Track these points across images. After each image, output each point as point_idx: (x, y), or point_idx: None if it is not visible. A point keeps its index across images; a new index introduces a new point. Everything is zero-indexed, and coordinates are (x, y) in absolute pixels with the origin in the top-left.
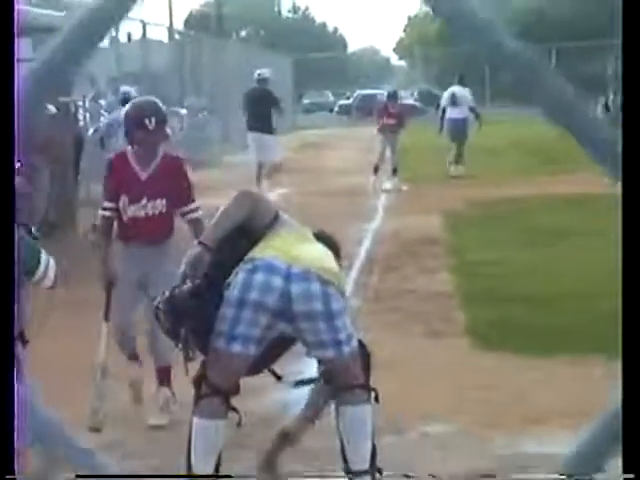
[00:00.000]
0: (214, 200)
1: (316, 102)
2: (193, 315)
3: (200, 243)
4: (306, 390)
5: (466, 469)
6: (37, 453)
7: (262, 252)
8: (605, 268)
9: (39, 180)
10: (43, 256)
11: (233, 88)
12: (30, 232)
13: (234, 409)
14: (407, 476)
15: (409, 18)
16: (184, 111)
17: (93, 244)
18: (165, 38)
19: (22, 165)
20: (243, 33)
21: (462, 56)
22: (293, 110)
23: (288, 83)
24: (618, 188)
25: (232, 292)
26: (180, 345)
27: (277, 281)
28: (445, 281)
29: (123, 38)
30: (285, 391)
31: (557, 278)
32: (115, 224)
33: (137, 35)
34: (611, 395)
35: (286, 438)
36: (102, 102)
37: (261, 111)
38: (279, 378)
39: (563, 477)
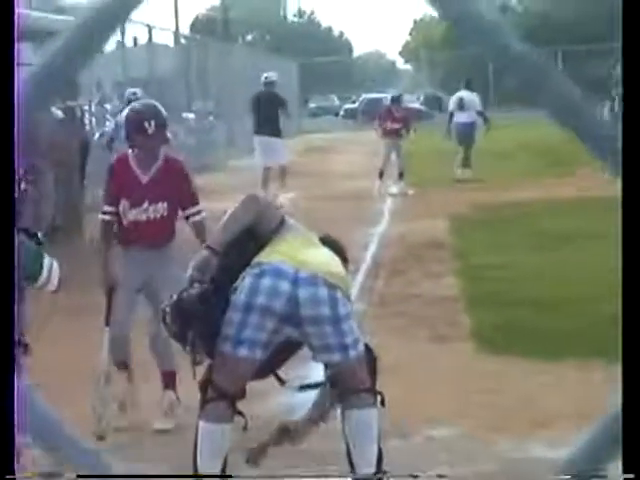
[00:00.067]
0: (219, 204)
1: (322, 106)
2: (200, 319)
3: (207, 247)
4: (312, 394)
5: (471, 473)
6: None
7: (269, 257)
8: (612, 271)
9: (45, 185)
10: (46, 261)
11: (239, 92)
12: (33, 237)
13: (240, 413)
14: (413, 476)
15: (415, 22)
16: (192, 115)
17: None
18: (171, 42)
19: (27, 171)
20: (249, 37)
21: (467, 60)
22: (299, 114)
23: (294, 87)
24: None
25: (239, 296)
26: (187, 349)
27: (284, 285)
28: (451, 285)
29: (129, 42)
30: (291, 395)
31: (563, 282)
32: (115, 228)
33: (143, 39)
34: (616, 398)
35: (285, 433)
36: (108, 106)
37: (268, 114)
38: (283, 383)
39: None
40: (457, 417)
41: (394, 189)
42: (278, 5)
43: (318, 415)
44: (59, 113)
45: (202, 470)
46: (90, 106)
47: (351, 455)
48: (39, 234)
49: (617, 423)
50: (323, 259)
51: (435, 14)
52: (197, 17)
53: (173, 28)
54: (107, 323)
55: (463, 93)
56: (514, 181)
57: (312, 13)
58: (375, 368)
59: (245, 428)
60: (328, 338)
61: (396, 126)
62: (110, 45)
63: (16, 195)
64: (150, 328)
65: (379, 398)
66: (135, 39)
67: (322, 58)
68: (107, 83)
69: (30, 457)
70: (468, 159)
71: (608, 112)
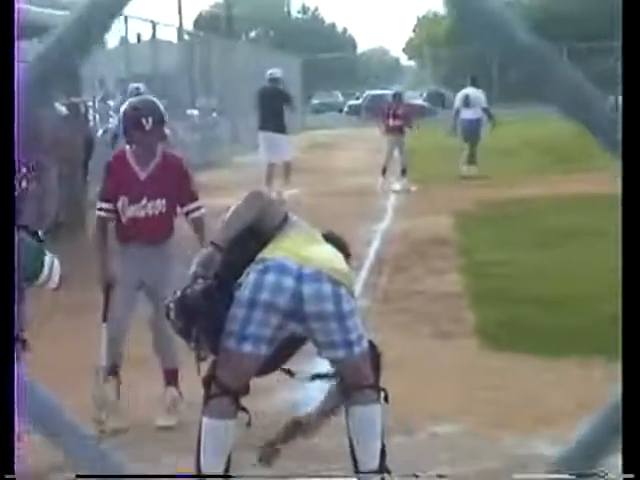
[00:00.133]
0: (224, 200)
1: (325, 102)
2: (204, 315)
3: (211, 243)
4: (317, 389)
5: (475, 469)
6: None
7: (272, 253)
8: (616, 269)
9: (49, 181)
10: (47, 259)
11: (242, 89)
12: (34, 235)
13: (244, 409)
14: (416, 475)
15: (418, 18)
16: (196, 112)
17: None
18: (174, 39)
19: (30, 167)
20: (253, 34)
21: (471, 56)
22: (302, 110)
23: (297, 84)
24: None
25: (243, 292)
26: (192, 345)
27: (288, 281)
28: (454, 282)
29: (132, 39)
30: (295, 391)
31: (567, 279)
32: (112, 225)
33: (147, 36)
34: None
35: (297, 427)
36: (111, 103)
37: (273, 110)
38: (292, 375)
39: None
40: (461, 413)
41: (397, 186)
42: (282, 1)
43: (330, 408)
44: (63, 109)
45: (205, 466)
46: (94, 102)
47: (355, 451)
48: (40, 232)
49: (617, 414)
50: (327, 255)
51: (439, 10)
52: (201, 13)
53: (177, 24)
54: (105, 319)
55: (469, 90)
56: (518, 178)
57: (316, 9)
58: (379, 364)
59: (249, 424)
60: (332, 334)
61: (398, 123)
62: (113, 41)
63: (18, 192)
64: (152, 325)
65: (383, 394)
66: (138, 35)
67: (326, 54)
68: (110, 79)
69: (29, 444)
70: (474, 156)
71: (612, 108)
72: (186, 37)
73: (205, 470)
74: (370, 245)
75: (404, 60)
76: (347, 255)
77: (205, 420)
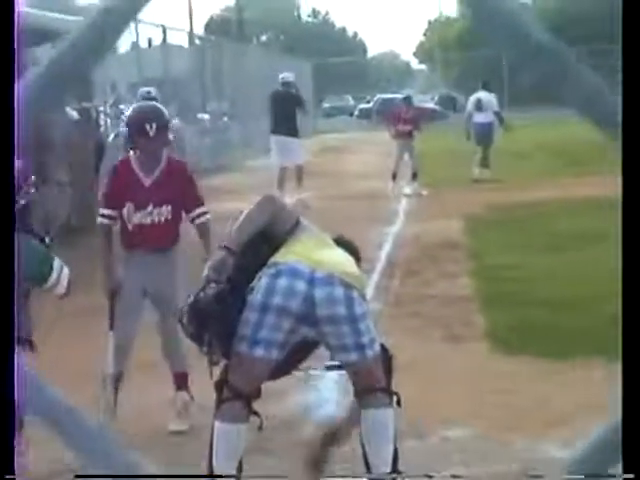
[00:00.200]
0: (235, 204)
1: (336, 106)
2: (217, 319)
3: (224, 247)
4: (329, 392)
5: (486, 473)
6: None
7: (284, 257)
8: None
9: (61, 186)
10: (56, 263)
11: (254, 93)
12: (41, 240)
13: (256, 413)
14: (429, 476)
15: (429, 22)
16: (207, 116)
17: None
18: (186, 43)
19: (40, 172)
20: (263, 38)
21: (482, 60)
22: (314, 114)
23: (308, 87)
24: None
25: (255, 296)
26: (204, 349)
27: (301, 285)
28: (465, 285)
29: (144, 43)
30: (307, 394)
31: (578, 282)
32: (117, 232)
33: (158, 40)
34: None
35: (334, 438)
36: (122, 107)
37: (285, 114)
38: (307, 371)
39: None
40: (472, 417)
41: (408, 190)
42: (292, 5)
43: (357, 415)
44: (74, 114)
45: (217, 470)
46: (105, 107)
47: (367, 455)
48: (46, 238)
49: (616, 436)
50: (338, 259)
51: (450, 14)
52: (211, 18)
53: (187, 29)
54: (111, 327)
55: (481, 94)
56: (530, 181)
57: (326, 13)
58: (391, 368)
59: (260, 428)
60: (345, 338)
61: (407, 127)
62: (125, 46)
63: (26, 197)
64: (160, 331)
65: (395, 398)
66: (150, 40)
67: (336, 58)
68: (122, 84)
69: (24, 439)
70: (487, 159)
71: None
72: (197, 41)
73: (217, 473)
74: (381, 248)
75: (415, 64)
76: (358, 259)
77: (217, 424)
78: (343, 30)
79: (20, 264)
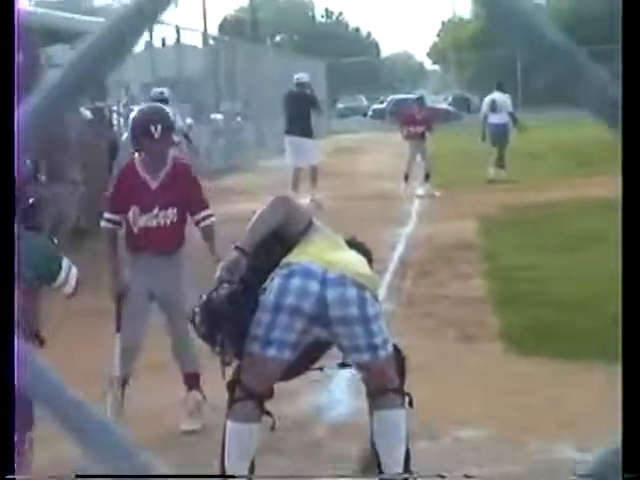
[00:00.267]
0: (249, 204)
1: (350, 107)
2: (229, 319)
3: (237, 247)
4: (342, 392)
5: (499, 474)
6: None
7: (297, 257)
8: None
9: (74, 185)
10: (64, 263)
11: (267, 93)
12: (51, 239)
13: (268, 413)
14: (442, 476)
15: (443, 23)
16: (220, 116)
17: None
18: (199, 43)
19: (51, 171)
20: (277, 38)
21: (496, 61)
22: (327, 115)
23: (322, 88)
24: None
25: (268, 297)
26: (216, 349)
27: (314, 286)
28: (479, 286)
29: (157, 43)
30: (319, 394)
31: (592, 283)
32: (122, 235)
33: (171, 40)
34: None
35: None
36: (136, 107)
37: (300, 114)
38: (321, 369)
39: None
40: (485, 418)
41: (421, 191)
42: (306, 6)
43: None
44: (88, 114)
45: (229, 470)
46: (118, 107)
47: (379, 455)
48: (54, 239)
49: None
50: (351, 260)
51: (464, 15)
52: (225, 18)
53: (201, 29)
54: (118, 329)
55: (495, 95)
56: (543, 182)
57: (340, 14)
58: (404, 368)
59: (273, 428)
60: (357, 338)
61: (419, 129)
62: (138, 46)
63: (37, 194)
64: (169, 333)
65: (407, 399)
66: (163, 40)
67: (350, 59)
68: (135, 84)
69: (29, 439)
70: (502, 160)
71: None
72: (211, 42)
73: (229, 473)
74: (395, 249)
75: (428, 64)
76: (370, 260)
77: (229, 424)
78: (356, 30)
79: (28, 263)
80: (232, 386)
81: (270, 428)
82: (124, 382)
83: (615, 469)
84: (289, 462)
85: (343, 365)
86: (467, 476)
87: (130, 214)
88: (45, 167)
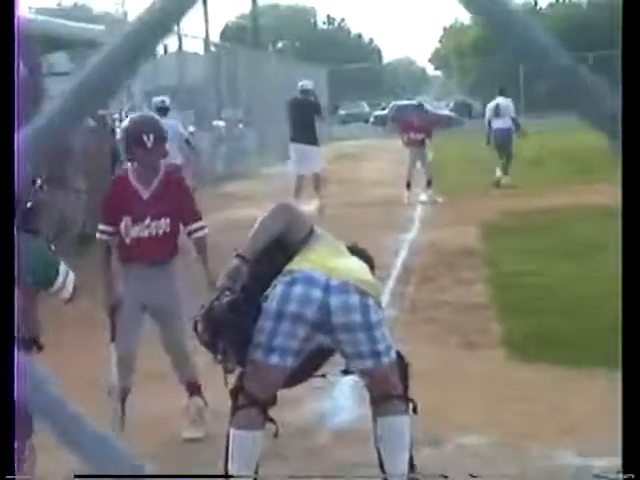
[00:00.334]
0: (251, 211)
1: (352, 113)
2: (231, 327)
3: (238, 255)
4: (345, 399)
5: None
6: None
7: (299, 265)
8: None
9: (76, 193)
10: (62, 267)
11: (269, 100)
12: (49, 245)
13: (271, 420)
14: (444, 476)
15: (445, 28)
16: (222, 123)
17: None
18: (201, 50)
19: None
20: (279, 45)
21: (498, 66)
22: (329, 121)
23: (324, 94)
24: None
25: (271, 304)
26: (218, 357)
27: (316, 293)
28: (481, 292)
29: (159, 50)
30: (323, 401)
31: (594, 289)
32: (115, 246)
33: (173, 47)
34: None
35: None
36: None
37: (304, 121)
38: (323, 376)
39: None
40: (488, 425)
41: (423, 197)
42: (308, 12)
43: None
44: (90, 121)
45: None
46: (120, 114)
47: (382, 461)
48: (51, 245)
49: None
50: (353, 267)
51: (466, 20)
52: (227, 25)
53: (203, 36)
54: (113, 339)
55: (499, 100)
56: (544, 188)
57: (342, 20)
58: (407, 375)
59: (276, 435)
60: (360, 345)
61: (419, 136)
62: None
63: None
64: (164, 344)
65: (411, 405)
66: (165, 47)
67: (352, 65)
68: (137, 91)
69: (30, 446)
70: (506, 165)
71: None
72: (213, 48)
73: None
74: (397, 255)
75: (430, 70)
76: (371, 267)
77: (233, 431)
78: (358, 36)
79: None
80: (235, 393)
81: (273, 435)
82: (124, 396)
83: None
84: (292, 469)
85: (346, 372)
86: (472, 476)
87: (122, 225)
88: (48, 174)
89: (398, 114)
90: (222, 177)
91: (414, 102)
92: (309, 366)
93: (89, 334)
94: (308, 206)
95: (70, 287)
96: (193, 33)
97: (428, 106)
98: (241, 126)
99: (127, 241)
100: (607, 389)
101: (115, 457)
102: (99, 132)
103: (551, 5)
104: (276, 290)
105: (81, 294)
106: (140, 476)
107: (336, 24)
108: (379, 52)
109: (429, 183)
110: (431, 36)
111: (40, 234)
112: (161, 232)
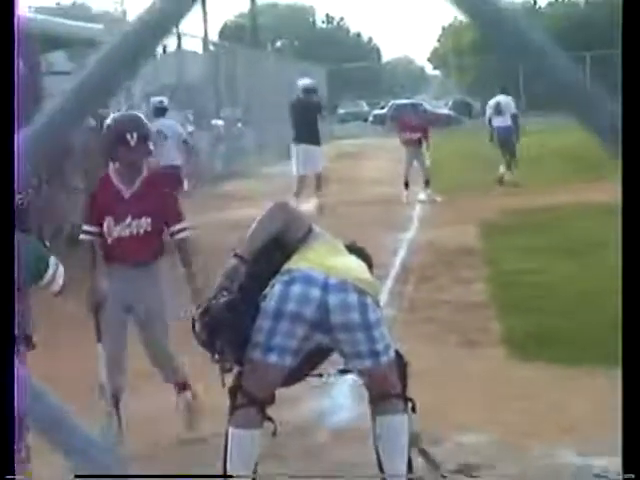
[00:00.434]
0: (249, 210)
1: (351, 112)
2: (228, 327)
3: (236, 255)
4: (343, 398)
5: (502, 478)
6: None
7: (297, 264)
8: None
9: (76, 191)
10: (52, 260)
11: (268, 99)
12: (40, 239)
13: (270, 419)
14: (443, 477)
15: (443, 28)
16: (221, 122)
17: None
18: (200, 49)
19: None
20: (278, 44)
21: (497, 65)
22: (329, 120)
23: (323, 93)
24: None
25: (269, 303)
26: (216, 357)
27: (315, 292)
28: (481, 291)
29: (158, 49)
30: (321, 400)
31: (595, 288)
32: (99, 246)
33: (172, 46)
34: None
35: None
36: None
37: (307, 122)
38: (321, 375)
39: None
40: (487, 423)
41: (422, 196)
42: (307, 11)
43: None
44: (90, 120)
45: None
46: None
47: (381, 460)
48: (46, 242)
49: None
50: (351, 265)
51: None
52: (226, 24)
53: (202, 35)
54: (99, 340)
55: (500, 97)
56: (544, 186)
57: (341, 19)
58: (406, 374)
59: (274, 434)
60: (359, 344)
61: (416, 135)
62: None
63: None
64: (143, 344)
65: (410, 404)
66: (164, 46)
67: (351, 64)
68: (136, 90)
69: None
70: (509, 162)
71: None
72: (211, 48)
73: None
74: (396, 254)
75: (429, 69)
76: (370, 265)
77: (231, 430)
78: (357, 36)
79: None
80: (234, 392)
81: (272, 434)
82: (117, 397)
83: None
84: (291, 468)
85: (344, 371)
86: (472, 475)
87: (105, 225)
88: (46, 173)
89: (397, 113)
90: (221, 176)
91: (413, 101)
92: (307, 365)
93: (81, 333)
94: (307, 205)
95: (60, 280)
96: (192, 32)
97: (427, 105)
98: (240, 125)
99: (109, 241)
100: (607, 388)
101: (113, 466)
102: (98, 131)
103: (550, 4)
104: (274, 289)
105: (74, 292)
106: (140, 476)
107: (335, 23)
108: (378, 51)
109: (427, 183)
110: (430, 35)
111: (31, 230)
112: (142, 231)
